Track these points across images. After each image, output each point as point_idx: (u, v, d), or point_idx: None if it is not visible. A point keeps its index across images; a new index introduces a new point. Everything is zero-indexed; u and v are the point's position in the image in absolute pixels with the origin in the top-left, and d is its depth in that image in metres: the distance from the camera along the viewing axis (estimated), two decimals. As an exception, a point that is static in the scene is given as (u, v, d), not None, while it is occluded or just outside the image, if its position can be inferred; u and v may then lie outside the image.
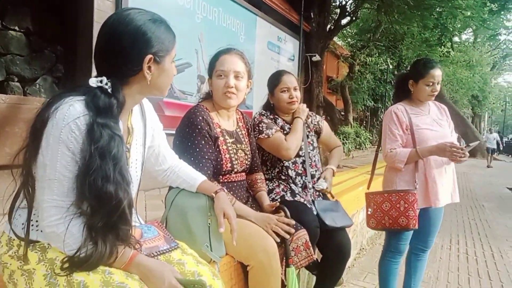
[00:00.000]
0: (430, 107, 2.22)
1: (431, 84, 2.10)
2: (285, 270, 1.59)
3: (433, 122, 2.16)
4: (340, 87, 13.41)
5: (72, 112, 0.93)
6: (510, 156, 21.29)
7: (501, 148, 20.84)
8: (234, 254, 1.49)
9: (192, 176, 1.40)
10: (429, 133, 2.11)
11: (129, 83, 1.05)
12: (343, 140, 12.15)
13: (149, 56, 1.02)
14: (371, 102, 15.04)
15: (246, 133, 1.84)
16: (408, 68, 2.41)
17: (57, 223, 0.93)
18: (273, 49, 7.39)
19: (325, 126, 2.32)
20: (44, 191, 0.94)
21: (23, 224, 1.01)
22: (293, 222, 1.63)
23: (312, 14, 8.19)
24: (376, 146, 2.43)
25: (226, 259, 1.46)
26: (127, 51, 1.00)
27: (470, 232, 4.69)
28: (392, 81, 14.35)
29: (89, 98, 0.96)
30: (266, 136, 1.97)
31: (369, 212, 2.16)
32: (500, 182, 9.99)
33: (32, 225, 1.00)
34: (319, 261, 2.04)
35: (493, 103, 29.14)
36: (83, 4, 4.17)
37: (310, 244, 1.69)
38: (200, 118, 1.58)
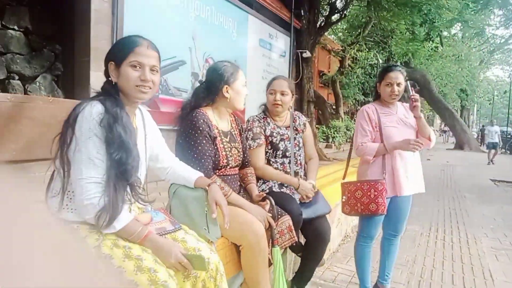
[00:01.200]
0: (397, 108, 2.47)
1: (389, 85, 2.35)
2: (271, 250, 1.84)
3: (399, 121, 2.41)
4: (331, 81, 13.66)
5: (95, 110, 1.23)
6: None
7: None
8: (228, 236, 1.73)
9: (189, 174, 1.65)
10: (394, 131, 2.37)
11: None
12: (334, 133, 12.44)
13: (111, 62, 1.34)
14: (361, 96, 15.33)
15: (238, 133, 2.09)
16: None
17: (95, 195, 1.19)
18: (264, 46, 7.59)
19: (307, 130, 2.54)
20: (82, 171, 1.20)
21: (56, 207, 1.24)
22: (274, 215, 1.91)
23: (302, 11, 8.39)
24: (351, 142, 2.68)
25: (221, 240, 1.71)
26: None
27: (449, 221, 4.99)
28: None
29: (105, 102, 1.28)
30: (248, 147, 2.22)
31: (343, 200, 2.43)
32: (484, 174, 10.36)
33: (65, 206, 1.23)
34: (303, 244, 2.30)
35: (481, 97, 29.66)
36: (81, 4, 4.33)
37: (292, 228, 1.94)
38: (202, 121, 1.81)
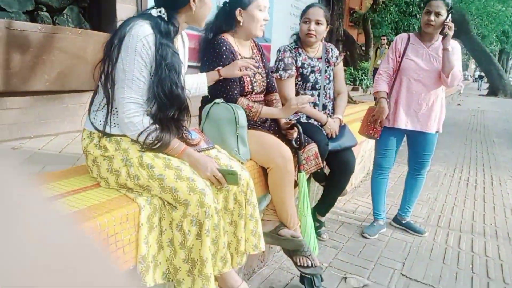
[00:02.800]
0: (435, 42, 2.37)
1: (428, 12, 2.29)
2: (297, 175, 1.92)
3: (427, 55, 2.36)
4: (362, 20, 12.96)
5: (144, 31, 1.25)
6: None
7: None
8: (256, 159, 1.81)
9: (196, 77, 1.70)
10: (412, 64, 2.37)
11: (179, 13, 1.36)
12: (361, 76, 12.06)
13: None
14: (393, 36, 14.56)
15: (260, 58, 2.04)
16: None
17: (135, 115, 1.26)
18: (293, -21, 7.18)
19: (339, 66, 2.50)
20: (124, 90, 1.26)
21: (100, 121, 1.32)
22: (311, 98, 1.91)
23: None
24: None
25: (250, 163, 1.79)
26: None
27: (475, 163, 4.95)
28: (418, 14, 13.74)
29: (154, 23, 1.28)
30: (278, 77, 2.20)
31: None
32: (516, 120, 9.99)
33: (110, 120, 1.31)
34: (327, 175, 2.37)
35: (524, 40, 27.54)
36: None
37: (318, 155, 1.99)
38: (224, 48, 1.78)
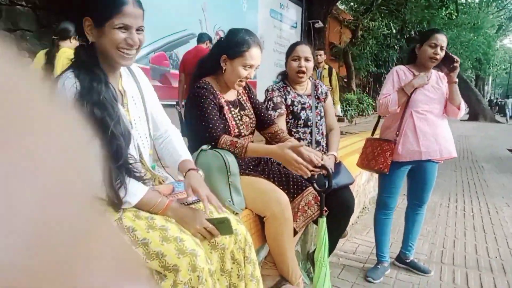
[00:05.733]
0: (431, 74, 2.35)
1: (433, 46, 2.22)
2: (318, 221, 1.81)
3: (430, 88, 2.31)
4: (342, 53, 13.32)
5: (67, 83, 1.11)
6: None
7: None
8: (252, 207, 1.68)
9: (180, 153, 1.42)
10: (422, 97, 2.28)
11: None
12: (346, 107, 12.22)
13: (87, 18, 1.12)
14: (374, 68, 14.96)
15: (247, 98, 1.95)
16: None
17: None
18: (275, 17, 7.37)
19: (328, 100, 2.44)
20: None
21: None
22: (319, 154, 1.75)
23: (314, -21, 8.09)
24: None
25: (245, 212, 1.66)
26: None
27: (468, 191, 4.91)
28: (396, 46, 14.22)
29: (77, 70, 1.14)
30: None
31: (361, 153, 2.52)
32: (500, 144, 10.14)
33: None
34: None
35: (497, 65, 28.74)
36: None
37: (318, 198, 1.88)
38: (205, 89, 1.68)
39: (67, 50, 2.82)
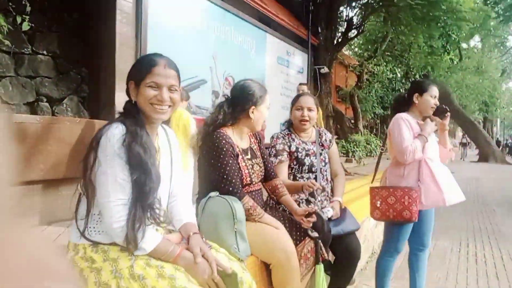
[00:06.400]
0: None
1: (434, 96, 2.38)
2: (314, 268, 1.82)
3: (432, 134, 2.41)
4: (349, 96, 13.61)
5: (118, 131, 1.24)
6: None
7: None
8: (257, 254, 1.71)
9: (182, 216, 1.47)
10: (431, 144, 2.38)
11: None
12: (354, 147, 12.29)
13: (131, 82, 1.34)
14: (380, 110, 15.18)
15: (258, 148, 2.06)
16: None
17: (123, 218, 1.19)
18: (282, 63, 7.66)
19: (333, 147, 2.53)
20: (109, 193, 1.20)
21: (87, 229, 1.25)
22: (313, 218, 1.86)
23: (319, 28, 8.47)
24: (381, 146, 2.68)
25: (251, 259, 1.69)
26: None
27: (480, 236, 4.81)
28: (401, 89, 14.48)
29: (128, 124, 1.29)
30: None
31: (377, 204, 2.35)
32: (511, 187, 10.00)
33: (92, 228, 1.24)
34: (332, 262, 2.25)
35: (504, 107, 28.93)
36: (106, 29, 4.49)
37: (314, 250, 1.88)
38: (224, 141, 1.78)
39: None
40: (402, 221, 2.30)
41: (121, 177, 1.21)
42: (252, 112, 1.88)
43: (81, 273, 1.24)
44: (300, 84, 5.66)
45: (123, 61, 4.45)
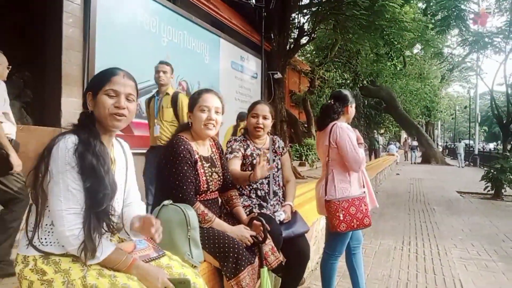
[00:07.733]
0: None
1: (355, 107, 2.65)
2: (258, 271, 1.87)
3: None
4: (301, 100, 14.01)
5: (70, 141, 1.25)
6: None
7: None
8: (210, 260, 1.75)
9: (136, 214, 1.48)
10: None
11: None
12: (307, 151, 12.67)
13: (88, 93, 1.37)
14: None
15: (219, 157, 2.11)
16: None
17: (76, 227, 1.19)
18: (236, 68, 7.74)
19: (286, 156, 2.63)
20: (61, 202, 1.20)
21: (37, 240, 1.23)
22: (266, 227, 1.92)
23: (272, 34, 8.66)
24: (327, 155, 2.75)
25: (204, 265, 1.73)
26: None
27: (420, 234, 5.17)
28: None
29: (78, 131, 1.30)
30: (225, 159, 2.27)
31: (340, 218, 2.32)
32: (450, 187, 10.80)
33: (43, 239, 1.23)
34: (283, 264, 2.34)
35: (444, 112, 31.10)
36: (52, 31, 4.30)
37: (275, 249, 1.98)
38: (182, 147, 1.83)
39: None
40: (363, 228, 2.40)
41: (73, 187, 1.21)
42: (190, 118, 1.95)
43: (31, 286, 1.21)
44: (160, 62, 3.92)
45: (70, 65, 4.29)
